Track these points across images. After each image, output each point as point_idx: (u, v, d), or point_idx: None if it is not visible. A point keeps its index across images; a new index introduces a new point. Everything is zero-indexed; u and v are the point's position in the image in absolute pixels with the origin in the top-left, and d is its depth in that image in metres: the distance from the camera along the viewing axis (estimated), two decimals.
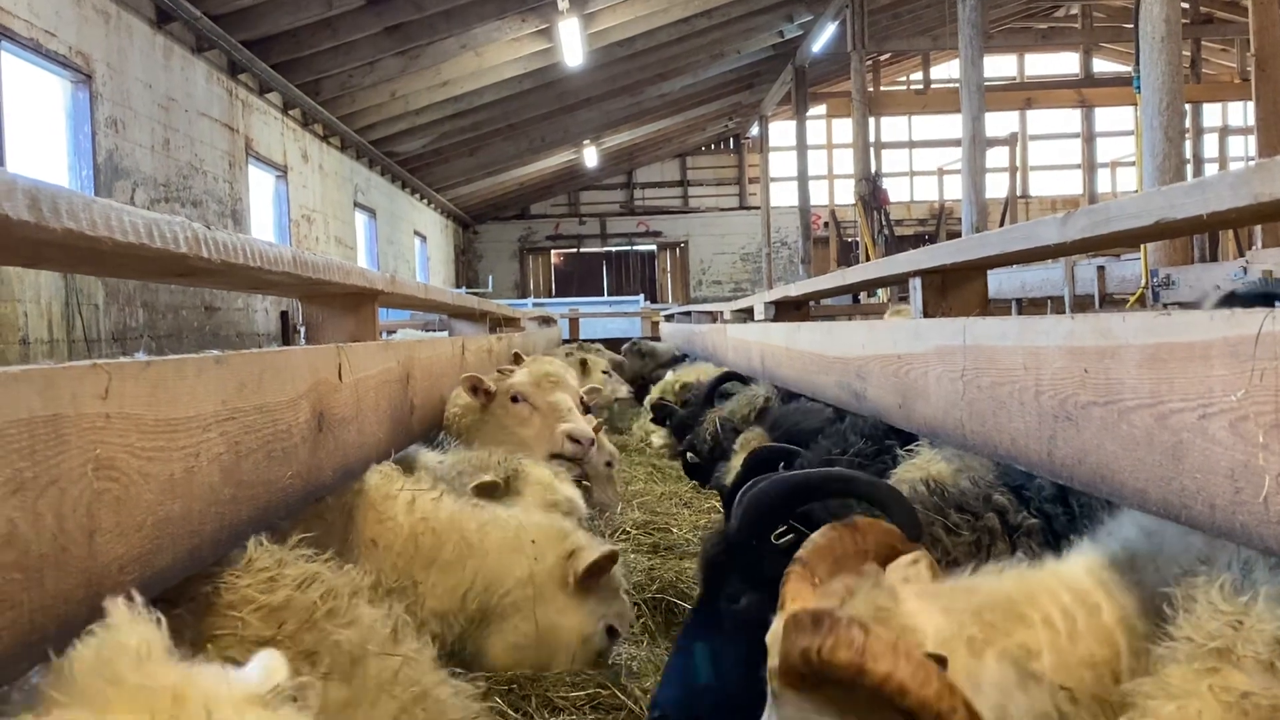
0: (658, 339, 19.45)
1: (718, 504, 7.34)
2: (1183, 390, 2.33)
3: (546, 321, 17.09)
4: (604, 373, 12.75)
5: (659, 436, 10.29)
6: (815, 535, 2.81)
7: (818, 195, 35.66)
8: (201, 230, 2.54)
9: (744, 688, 3.13)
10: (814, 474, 3.52)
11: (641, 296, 32.40)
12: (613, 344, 18.42)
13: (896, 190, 34.96)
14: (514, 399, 5.71)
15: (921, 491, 3.66)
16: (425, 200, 32.48)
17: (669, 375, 11.52)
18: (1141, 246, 13.38)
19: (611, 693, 3.98)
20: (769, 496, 3.35)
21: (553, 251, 41.03)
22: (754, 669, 3.00)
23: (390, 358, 4.37)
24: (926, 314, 4.51)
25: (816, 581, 2.73)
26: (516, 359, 6.59)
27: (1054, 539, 3.34)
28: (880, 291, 19.49)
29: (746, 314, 11.30)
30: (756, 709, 3.34)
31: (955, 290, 4.47)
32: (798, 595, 2.88)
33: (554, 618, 4.01)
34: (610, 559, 4.06)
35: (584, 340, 18.82)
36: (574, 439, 5.67)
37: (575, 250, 41.00)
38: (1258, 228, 17.74)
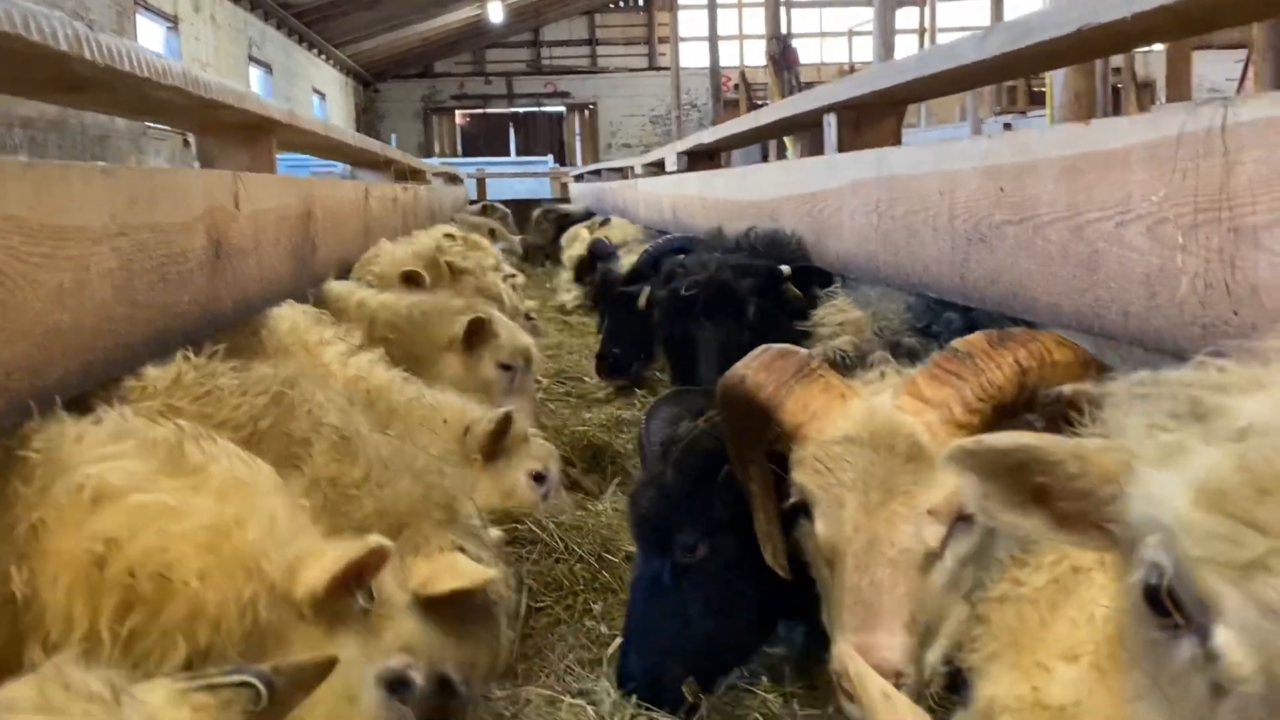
0: (567, 200, 19.22)
1: None
2: (1100, 199, 2.33)
3: (453, 180, 16.73)
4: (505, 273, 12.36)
5: (572, 295, 10.16)
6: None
7: (728, 56, 35.16)
8: (84, 30, 2.36)
9: (726, 635, 3.03)
10: None
11: (550, 157, 31.86)
12: (521, 205, 18.14)
13: (807, 52, 34.60)
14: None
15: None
16: (324, 56, 31.29)
17: (584, 232, 11.36)
18: (1048, 102, 13.47)
19: (528, 527, 3.98)
20: (712, 439, 3.08)
21: (458, 112, 40.02)
22: (731, 613, 3.02)
23: (290, 193, 4.21)
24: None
25: None
26: (411, 280, 5.48)
27: None
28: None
29: (658, 168, 11.16)
30: (743, 652, 3.15)
31: (870, 128, 4.42)
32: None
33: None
34: (506, 421, 4.01)
35: (491, 201, 18.48)
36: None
37: (481, 111, 40.04)
38: (1160, 89, 17.97)
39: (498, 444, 4.03)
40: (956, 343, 2.29)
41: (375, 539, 1.95)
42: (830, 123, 4.47)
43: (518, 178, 24.07)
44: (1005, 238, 2.79)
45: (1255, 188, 1.87)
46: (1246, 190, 1.88)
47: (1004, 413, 2.29)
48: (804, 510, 2.44)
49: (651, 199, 9.91)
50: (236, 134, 4.22)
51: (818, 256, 4.54)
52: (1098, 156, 2.34)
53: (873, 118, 4.38)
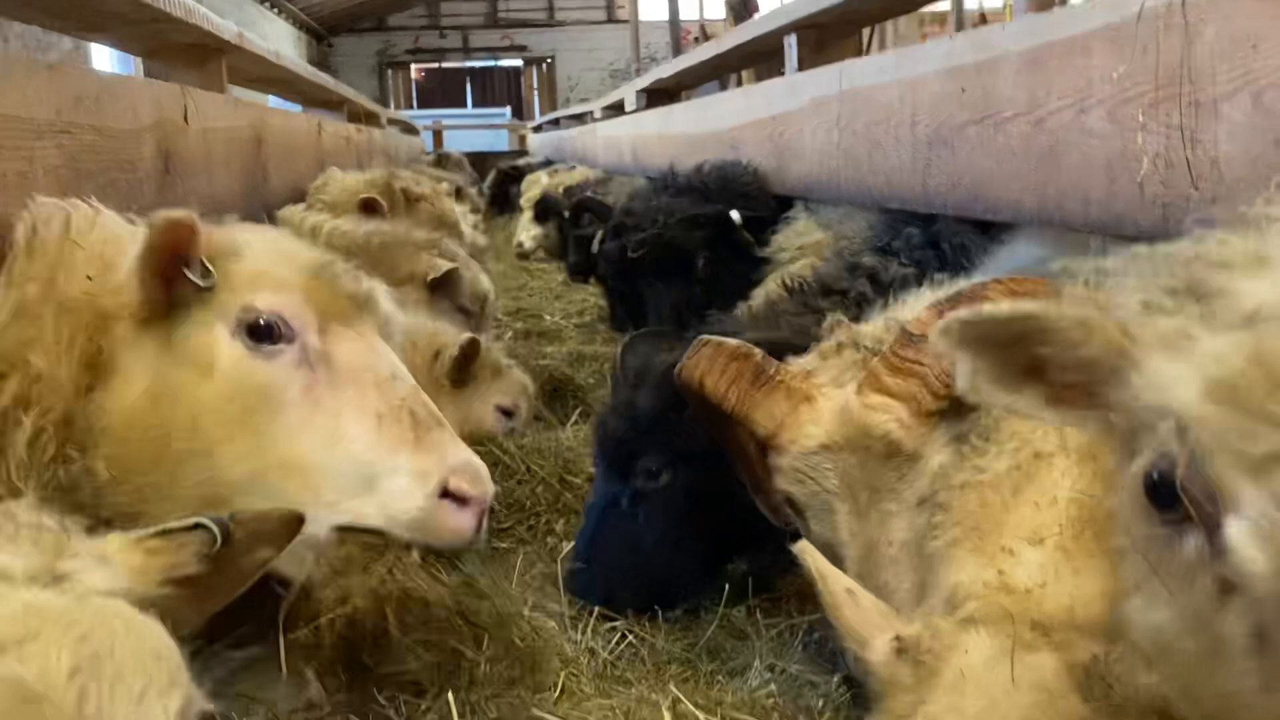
0: (525, 152, 19.05)
1: (591, 294, 7.27)
2: (1061, 88, 2.32)
3: (409, 130, 16.51)
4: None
5: (530, 235, 10.06)
6: None
7: (688, 9, 34.87)
8: None
9: (679, 566, 3.02)
10: (744, 340, 3.20)
11: (508, 109, 31.50)
12: (478, 159, 17.95)
13: (767, 2, 34.40)
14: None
15: (785, 297, 3.51)
16: (276, 9, 30.70)
17: (544, 177, 11.24)
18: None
19: (488, 449, 3.96)
20: None
21: (413, 66, 39.48)
22: (687, 545, 2.99)
23: (240, 116, 4.13)
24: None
25: None
26: (369, 207, 5.12)
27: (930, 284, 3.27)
28: None
29: (617, 110, 11.07)
30: (694, 585, 3.12)
31: (832, 48, 4.40)
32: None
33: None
34: (473, 346, 3.95)
35: (447, 151, 18.25)
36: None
37: (437, 65, 39.53)
38: None
39: (465, 371, 3.98)
40: (910, 324, 2.23)
41: (161, 215, 1.85)
42: (791, 44, 4.44)
43: (475, 129, 23.82)
44: (966, 139, 2.79)
45: (1215, 59, 1.87)
46: (1207, 62, 1.88)
47: None
48: (792, 505, 2.38)
49: (611, 142, 9.84)
50: (185, 55, 4.13)
51: (779, 182, 4.52)
52: (1059, 45, 2.33)
53: (834, 37, 4.36)
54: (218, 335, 1.95)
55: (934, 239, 3.53)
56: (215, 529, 1.26)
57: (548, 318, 6.88)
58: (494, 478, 3.82)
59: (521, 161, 16.75)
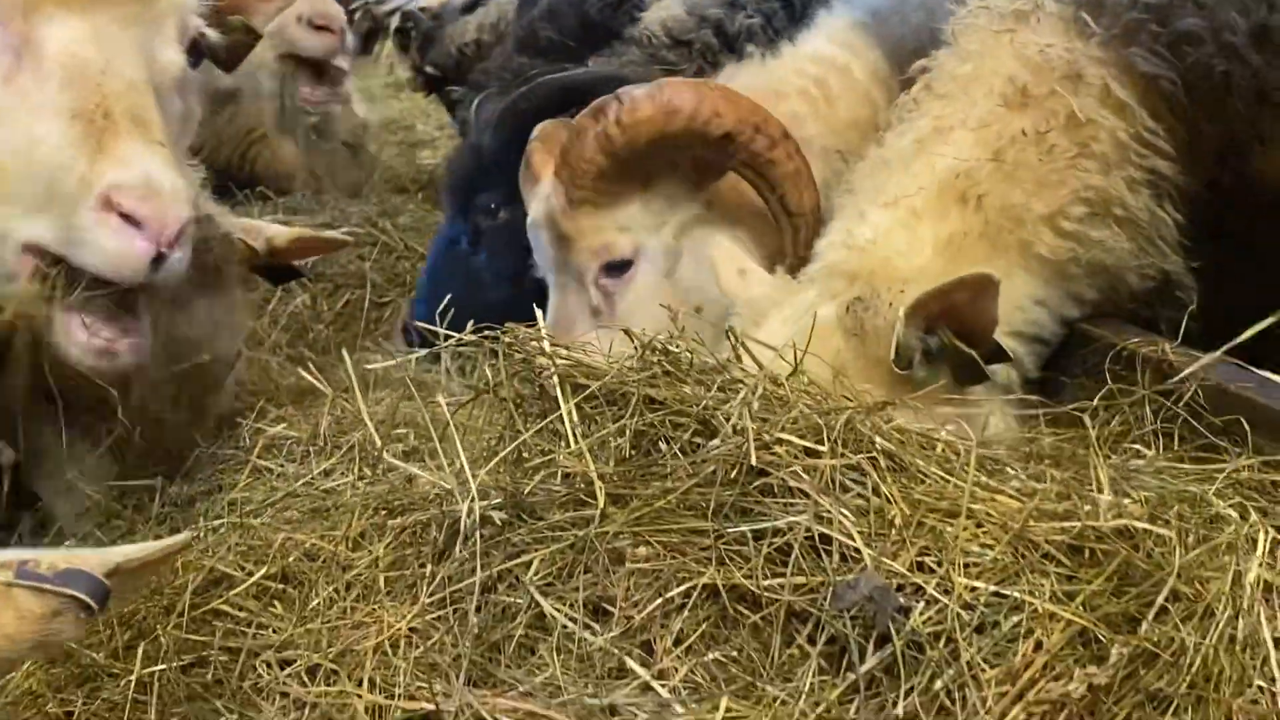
0: None
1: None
2: None
3: None
4: None
5: (387, 52, 9.89)
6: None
7: None
8: None
9: (519, 307, 2.75)
10: (582, 75, 3.24)
11: None
12: None
13: None
14: None
15: (637, 51, 3.49)
16: None
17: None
18: None
19: (368, 230, 4.25)
20: (533, 100, 3.09)
21: None
22: (530, 280, 2.96)
23: None
24: None
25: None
26: None
27: (776, 35, 3.25)
28: None
29: None
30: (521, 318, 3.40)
31: None
32: (546, 165, 2.76)
33: None
34: None
35: None
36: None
37: None
38: None
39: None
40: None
41: None
42: None
43: None
44: None
45: None
46: None
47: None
48: None
49: None
50: None
51: None
52: None
53: None
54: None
55: None
56: (92, 603, 1.21)
57: (420, 127, 7.08)
58: (372, 255, 4.21)
59: None
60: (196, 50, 2.19)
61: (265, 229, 2.90)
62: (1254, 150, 2.29)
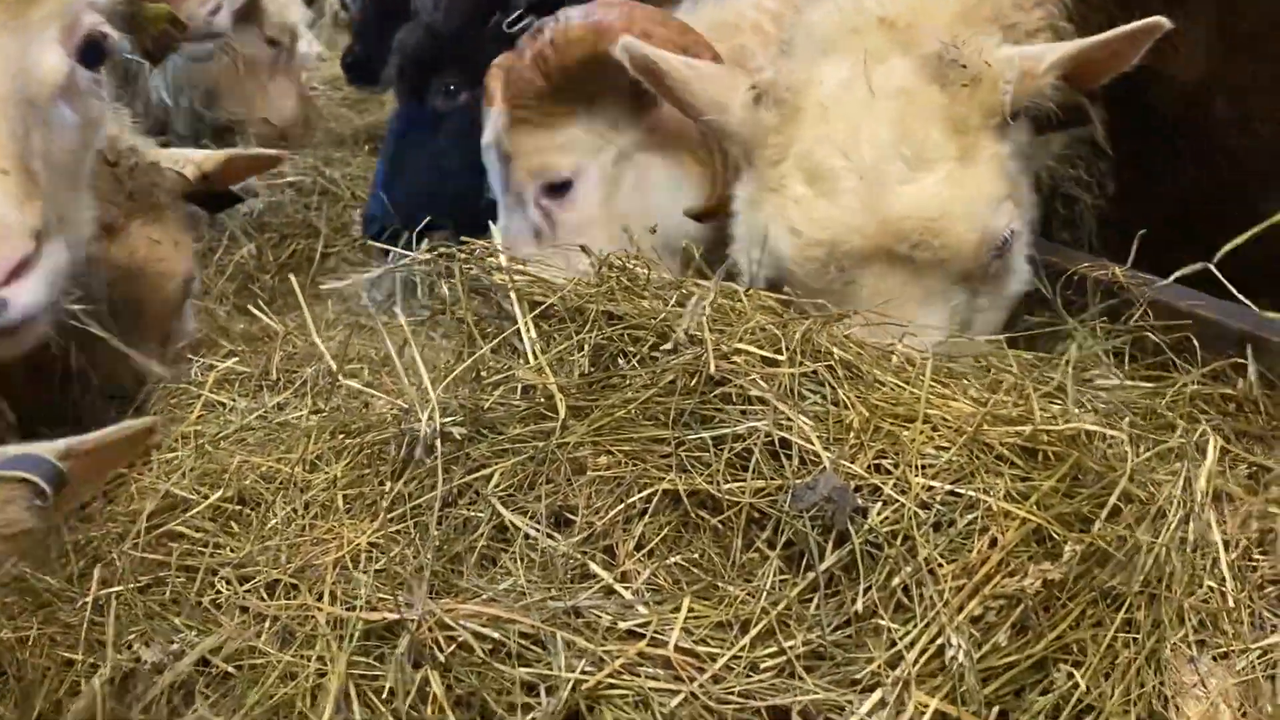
0: None
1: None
2: None
3: None
4: None
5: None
6: None
7: None
8: None
9: (470, 184, 2.95)
10: None
11: None
12: None
13: None
14: None
15: None
16: None
17: None
18: None
19: (315, 179, 4.20)
20: None
21: None
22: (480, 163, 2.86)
23: None
24: None
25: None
26: None
27: None
28: None
29: None
30: (480, 203, 2.98)
31: None
32: (499, 89, 2.70)
33: None
34: None
35: None
36: None
37: None
38: None
39: None
40: None
41: None
42: None
43: None
44: None
45: None
46: None
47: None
48: None
49: None
50: None
51: None
52: None
53: None
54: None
55: None
56: (45, 485, 1.24)
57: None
58: (320, 205, 4.17)
59: None
60: (95, 50, 2.01)
61: (193, 154, 2.85)
62: None
